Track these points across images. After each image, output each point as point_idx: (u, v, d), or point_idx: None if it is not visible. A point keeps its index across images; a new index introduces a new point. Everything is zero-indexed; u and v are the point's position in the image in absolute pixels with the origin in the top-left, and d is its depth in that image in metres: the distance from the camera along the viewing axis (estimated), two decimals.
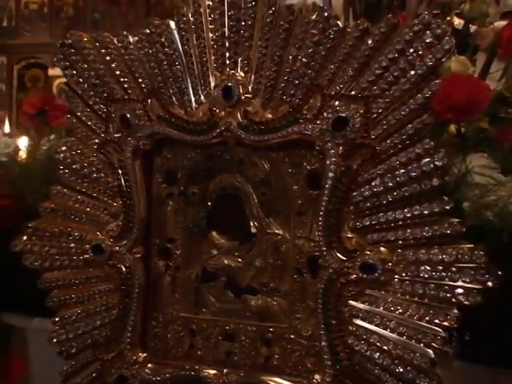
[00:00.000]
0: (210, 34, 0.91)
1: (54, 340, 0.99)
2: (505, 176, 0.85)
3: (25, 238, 1.01)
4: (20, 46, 8.89)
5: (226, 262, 0.94)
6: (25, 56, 8.93)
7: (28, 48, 8.92)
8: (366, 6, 1.72)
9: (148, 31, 0.94)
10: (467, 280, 0.80)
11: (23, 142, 1.64)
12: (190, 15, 0.91)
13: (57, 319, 1.00)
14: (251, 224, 0.93)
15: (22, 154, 1.41)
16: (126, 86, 0.95)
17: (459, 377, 1.06)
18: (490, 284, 0.79)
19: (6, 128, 1.59)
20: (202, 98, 0.91)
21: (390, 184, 0.83)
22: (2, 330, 1.26)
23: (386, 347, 0.83)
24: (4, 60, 8.92)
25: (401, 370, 0.83)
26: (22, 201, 1.09)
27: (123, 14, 9.04)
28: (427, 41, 0.81)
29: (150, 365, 0.95)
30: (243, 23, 0.89)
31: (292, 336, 0.91)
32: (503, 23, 1.69)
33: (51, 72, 8.88)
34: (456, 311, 0.81)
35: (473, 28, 1.67)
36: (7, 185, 1.10)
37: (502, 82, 1.59)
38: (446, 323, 0.81)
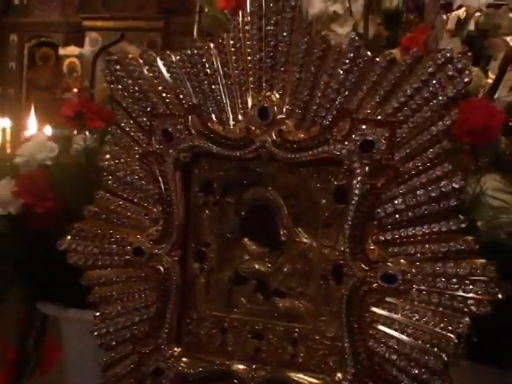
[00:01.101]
0: (249, 58, 0.98)
1: (95, 333, 1.08)
2: None
3: (69, 237, 1.10)
4: (31, 24, 8.95)
5: (256, 266, 1.03)
6: (36, 34, 8.99)
7: (39, 26, 8.98)
8: (386, 16, 1.79)
9: (190, 52, 1.02)
10: (479, 292, 0.88)
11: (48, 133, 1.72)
12: (230, 40, 0.99)
13: (98, 314, 1.08)
14: (281, 233, 1.01)
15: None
16: (168, 101, 1.03)
17: (466, 376, 1.15)
18: (499, 296, 0.87)
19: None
20: (240, 116, 0.99)
21: (411, 202, 0.91)
22: (40, 318, 1.35)
23: (403, 350, 0.91)
24: (15, 38, 8.98)
25: (416, 371, 0.91)
26: (64, 202, 1.17)
27: None
28: (449, 73, 0.89)
29: (184, 359, 1.04)
30: (280, 49, 0.96)
31: (316, 336, 0.99)
32: None
33: (62, 51, 8.96)
34: (467, 319, 0.90)
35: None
36: (51, 187, 1.18)
37: None
38: (458, 330, 0.90)
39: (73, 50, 8.86)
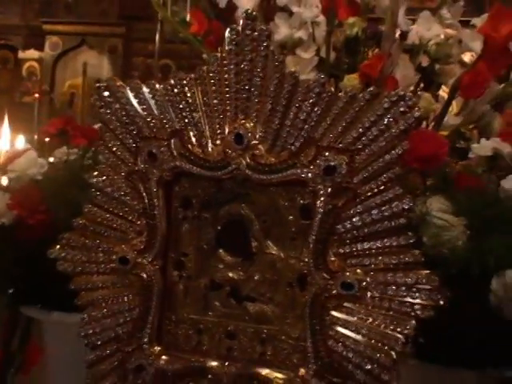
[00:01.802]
0: (226, 89, 1.11)
1: (82, 333, 1.19)
2: (456, 217, 1.08)
3: (59, 247, 1.21)
4: None
5: (230, 274, 1.15)
6: None
7: None
8: (346, 41, 1.93)
9: (173, 82, 1.14)
10: (424, 298, 1.02)
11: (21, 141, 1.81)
12: (209, 73, 1.12)
13: (85, 316, 1.19)
14: (252, 245, 1.14)
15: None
16: (152, 126, 1.15)
17: (414, 373, 1.30)
18: (441, 302, 1.02)
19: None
20: (218, 141, 1.12)
21: (367, 220, 1.04)
22: (24, 321, 1.44)
23: (358, 348, 1.05)
24: None
25: (369, 366, 1.04)
26: (54, 215, 1.27)
27: (96, 1, 9.11)
28: (401, 109, 1.03)
29: (164, 356, 1.15)
30: (254, 83, 1.09)
31: (282, 337, 1.12)
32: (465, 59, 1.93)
33: (21, 55, 8.92)
34: (414, 322, 1.04)
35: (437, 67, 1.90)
36: (42, 201, 1.29)
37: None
38: (405, 331, 1.03)
39: (32, 53, 8.83)
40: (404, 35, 1.89)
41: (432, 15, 1.85)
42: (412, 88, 1.85)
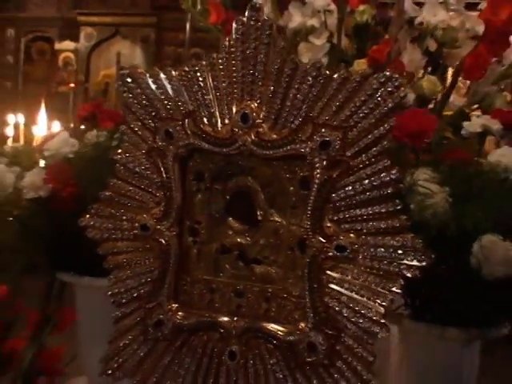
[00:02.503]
0: (234, 74, 1.24)
1: (109, 293, 1.34)
2: (440, 186, 1.19)
3: (88, 216, 1.36)
4: (28, 19, 9.15)
5: (238, 240, 1.29)
6: (32, 29, 9.18)
7: (36, 21, 9.18)
8: (356, 28, 2.05)
9: (187, 68, 1.27)
10: (409, 259, 1.14)
11: (56, 126, 1.97)
12: (219, 59, 1.25)
13: (111, 277, 1.34)
14: (258, 213, 1.27)
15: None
16: (169, 108, 1.29)
17: (411, 333, 1.42)
18: (424, 263, 1.14)
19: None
20: (226, 120, 1.25)
21: (359, 189, 1.17)
22: (59, 285, 1.60)
23: (351, 304, 1.18)
24: (12, 32, 9.18)
25: (361, 321, 1.17)
26: (84, 188, 1.42)
27: None
28: (389, 89, 1.15)
29: (180, 313, 1.29)
30: (258, 68, 1.22)
31: (285, 295, 1.25)
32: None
33: (57, 46, 9.17)
34: (401, 281, 1.16)
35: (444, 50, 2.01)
36: (73, 176, 1.43)
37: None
38: (393, 289, 1.16)
39: (68, 44, 9.06)
40: (412, 21, 1.99)
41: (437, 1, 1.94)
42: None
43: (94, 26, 9.12)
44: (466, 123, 1.43)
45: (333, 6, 2.02)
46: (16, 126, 3.00)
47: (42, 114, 2.22)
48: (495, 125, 1.36)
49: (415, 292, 1.36)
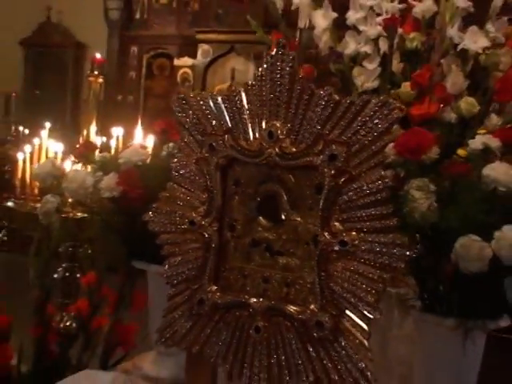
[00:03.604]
0: (263, 98, 1.52)
1: (164, 275, 1.65)
2: (428, 194, 1.41)
3: (150, 213, 1.67)
4: (150, 37, 9.81)
5: (266, 235, 1.56)
6: (154, 46, 9.83)
7: (157, 39, 9.81)
8: (406, 53, 2.26)
9: (228, 94, 1.57)
10: (397, 253, 1.37)
11: (150, 140, 2.32)
12: (253, 86, 1.53)
13: (166, 263, 1.65)
14: (282, 213, 1.54)
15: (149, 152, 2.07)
16: (213, 125, 1.58)
17: (421, 323, 1.62)
18: (408, 254, 1.36)
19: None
20: (257, 135, 1.53)
21: (359, 194, 1.41)
22: (133, 271, 1.93)
23: (351, 289, 1.42)
24: (135, 49, 9.86)
25: (359, 303, 1.41)
26: (148, 190, 1.73)
27: (243, 12, 9.75)
28: (385, 112, 1.39)
29: (218, 293, 1.57)
30: (282, 93, 1.49)
31: (301, 281, 1.50)
32: None
33: (176, 62, 9.76)
34: (391, 270, 1.39)
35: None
36: (140, 180, 1.76)
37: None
38: (385, 276, 1.39)
39: (186, 60, 9.62)
40: (456, 47, 2.18)
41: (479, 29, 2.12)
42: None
43: (211, 43, 9.61)
44: (470, 141, 1.62)
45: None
46: (117, 138, 3.43)
47: (139, 128, 2.58)
48: (495, 143, 1.55)
49: (424, 286, 1.56)
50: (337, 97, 1.45)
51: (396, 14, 2.34)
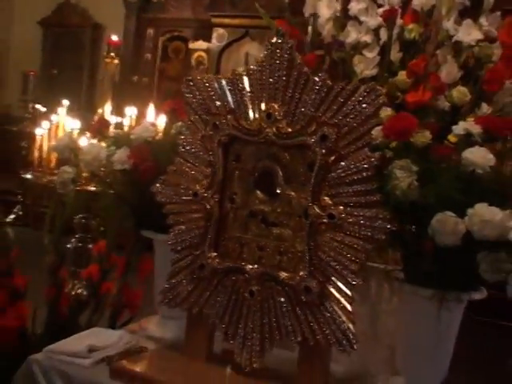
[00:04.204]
0: (263, 82, 1.66)
1: (169, 242, 1.80)
2: (410, 173, 1.55)
3: (158, 185, 1.82)
4: (166, 20, 9.89)
5: (262, 207, 1.70)
6: (170, 29, 9.93)
7: (173, 22, 9.90)
8: (405, 43, 2.38)
9: (231, 77, 1.71)
10: (379, 226, 1.51)
11: (162, 119, 2.46)
12: (254, 71, 1.67)
13: (171, 231, 1.80)
14: (277, 188, 1.68)
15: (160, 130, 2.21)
16: (217, 106, 1.73)
17: (403, 293, 1.76)
18: (389, 227, 1.50)
19: (150, 118, 2.38)
20: (257, 116, 1.67)
21: (347, 172, 1.55)
22: (142, 240, 2.08)
23: (337, 258, 1.56)
24: (151, 32, 9.96)
25: (344, 271, 1.55)
26: (158, 164, 1.88)
27: None
28: (372, 97, 1.53)
29: (217, 260, 1.72)
30: (280, 78, 1.63)
31: (293, 250, 1.65)
32: None
33: (191, 45, 9.86)
34: (374, 241, 1.53)
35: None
36: (150, 154, 1.90)
37: None
38: (367, 247, 1.53)
39: (201, 44, 9.71)
40: (451, 38, 2.30)
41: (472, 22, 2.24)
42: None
43: (226, 28, 9.69)
44: (453, 127, 1.75)
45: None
46: (131, 117, 3.60)
47: (151, 108, 2.73)
48: (476, 129, 1.68)
49: (406, 260, 1.70)
50: (330, 83, 1.59)
51: (397, 5, 2.47)
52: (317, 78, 1.59)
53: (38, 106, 7.24)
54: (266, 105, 1.66)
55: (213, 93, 1.74)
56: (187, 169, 1.79)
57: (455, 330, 1.76)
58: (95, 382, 1.70)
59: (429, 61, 2.22)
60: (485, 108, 2.21)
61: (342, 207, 1.57)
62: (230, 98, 1.71)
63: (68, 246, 2.93)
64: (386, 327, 2.08)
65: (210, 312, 1.75)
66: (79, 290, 2.75)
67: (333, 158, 1.57)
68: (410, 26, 2.37)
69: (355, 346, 1.57)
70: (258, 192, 1.72)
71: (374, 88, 1.54)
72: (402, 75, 2.27)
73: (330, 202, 1.58)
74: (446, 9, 2.33)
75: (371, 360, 1.99)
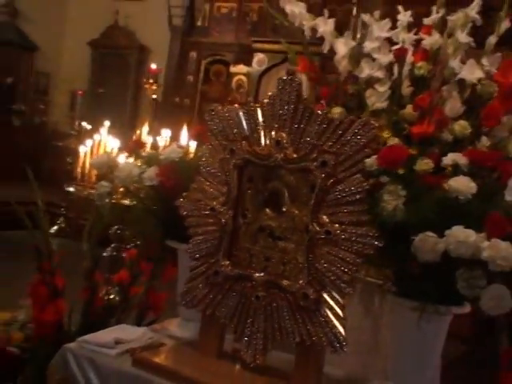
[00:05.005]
0: (274, 114, 1.90)
1: (189, 250, 2.05)
2: (397, 198, 1.77)
3: (181, 200, 2.08)
4: (209, 44, 10.24)
5: (270, 223, 1.94)
6: (212, 53, 10.27)
7: (215, 46, 10.25)
8: (414, 79, 2.61)
9: (246, 108, 1.96)
10: (368, 242, 1.74)
11: (193, 144, 2.73)
12: (267, 104, 1.92)
13: (190, 241, 2.05)
14: (283, 206, 1.92)
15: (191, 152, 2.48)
16: (234, 133, 1.98)
17: (396, 306, 1.96)
18: (376, 244, 1.72)
19: (183, 141, 2.64)
20: (267, 142, 1.92)
21: (342, 195, 1.78)
22: (167, 249, 2.33)
23: (331, 269, 1.79)
24: (194, 55, 10.33)
25: (338, 281, 1.78)
26: (182, 181, 2.13)
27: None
28: (366, 130, 1.76)
29: (229, 267, 1.96)
30: (289, 111, 1.88)
31: (294, 261, 1.88)
32: None
33: (232, 69, 10.19)
34: (363, 256, 1.75)
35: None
36: (176, 173, 2.16)
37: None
38: (358, 260, 1.76)
39: (242, 68, 10.02)
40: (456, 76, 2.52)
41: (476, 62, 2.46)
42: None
43: (266, 53, 9.96)
44: (444, 158, 1.96)
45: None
46: (165, 138, 3.88)
47: (184, 130, 2.98)
48: (461, 160, 1.89)
49: (395, 274, 1.92)
50: (330, 116, 1.83)
51: (411, 44, 2.70)
52: (320, 112, 1.84)
53: (83, 124, 7.61)
54: (276, 133, 1.90)
55: (231, 121, 1.99)
56: (206, 187, 2.04)
57: (441, 342, 1.96)
58: (119, 370, 1.95)
59: (434, 96, 2.44)
60: (484, 141, 2.41)
61: (337, 225, 1.80)
62: (245, 127, 1.96)
63: (104, 254, 3.20)
64: (386, 338, 2.28)
65: (221, 313, 1.99)
66: (112, 296, 3.01)
67: (331, 181, 1.80)
68: (420, 63, 2.59)
69: (345, 348, 1.78)
70: (267, 209, 1.96)
71: (368, 122, 1.77)
72: (409, 108, 2.49)
73: (327, 220, 1.81)
74: (453, 49, 2.55)
75: (371, 368, 2.20)
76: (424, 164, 1.98)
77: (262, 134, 1.94)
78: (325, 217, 1.82)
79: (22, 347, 2.59)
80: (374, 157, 1.90)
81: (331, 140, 1.81)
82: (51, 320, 2.44)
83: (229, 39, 10.13)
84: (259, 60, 10.48)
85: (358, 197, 1.77)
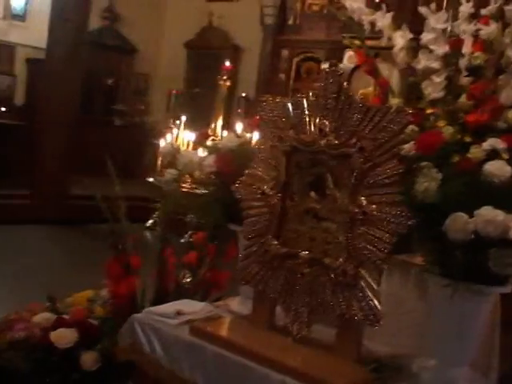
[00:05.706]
0: (318, 104, 2.05)
1: (244, 231, 2.23)
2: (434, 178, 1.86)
3: (237, 185, 2.26)
4: (301, 41, 10.38)
5: (314, 205, 2.09)
6: (303, 50, 10.41)
7: (307, 44, 10.37)
8: (470, 69, 2.66)
9: (294, 100, 2.11)
10: (402, 221, 1.85)
11: (255, 135, 2.91)
12: (313, 95, 2.07)
13: (245, 222, 2.23)
14: (327, 190, 2.06)
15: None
16: (283, 121, 2.14)
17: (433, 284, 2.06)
18: (410, 223, 1.83)
19: (239, 129, 2.83)
20: (312, 130, 2.06)
21: (379, 177, 1.91)
22: (230, 232, 2.52)
23: (369, 247, 1.91)
24: (286, 53, 10.50)
25: (374, 258, 1.90)
26: (238, 168, 2.31)
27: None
28: (399, 117, 1.88)
29: (278, 246, 2.12)
30: (331, 101, 2.01)
31: (336, 241, 2.02)
32: None
33: (323, 66, 10.29)
34: (396, 233, 1.87)
35: None
36: (232, 160, 2.34)
37: None
38: (391, 238, 1.87)
39: None
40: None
41: None
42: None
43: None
44: (483, 143, 2.03)
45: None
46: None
47: (239, 124, 3.17)
48: (500, 145, 1.96)
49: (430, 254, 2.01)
50: (368, 105, 1.95)
51: (471, 34, 2.76)
52: (359, 101, 1.96)
53: (177, 122, 7.98)
54: (319, 122, 2.04)
55: (281, 111, 2.15)
56: (258, 172, 2.21)
57: (481, 323, 2.02)
58: (178, 337, 2.16)
59: (487, 85, 2.50)
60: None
61: (374, 206, 1.92)
62: (292, 116, 2.12)
63: (182, 240, 3.44)
64: (407, 309, 2.32)
65: (271, 289, 2.15)
66: (188, 279, 3.24)
67: (368, 165, 1.93)
68: (476, 53, 2.65)
69: (381, 322, 1.91)
70: (312, 192, 2.11)
71: (402, 110, 1.88)
72: (464, 98, 2.56)
73: (365, 202, 1.94)
74: (510, 38, 2.59)
75: (415, 347, 2.29)
76: (478, 152, 2.06)
77: (308, 122, 2.08)
78: (362, 198, 1.94)
79: (102, 318, 2.87)
80: (412, 142, 2.01)
81: (369, 127, 1.94)
82: (124, 293, 2.69)
83: (319, 36, 10.22)
84: (350, 56, 10.55)
85: (392, 179, 1.88)
